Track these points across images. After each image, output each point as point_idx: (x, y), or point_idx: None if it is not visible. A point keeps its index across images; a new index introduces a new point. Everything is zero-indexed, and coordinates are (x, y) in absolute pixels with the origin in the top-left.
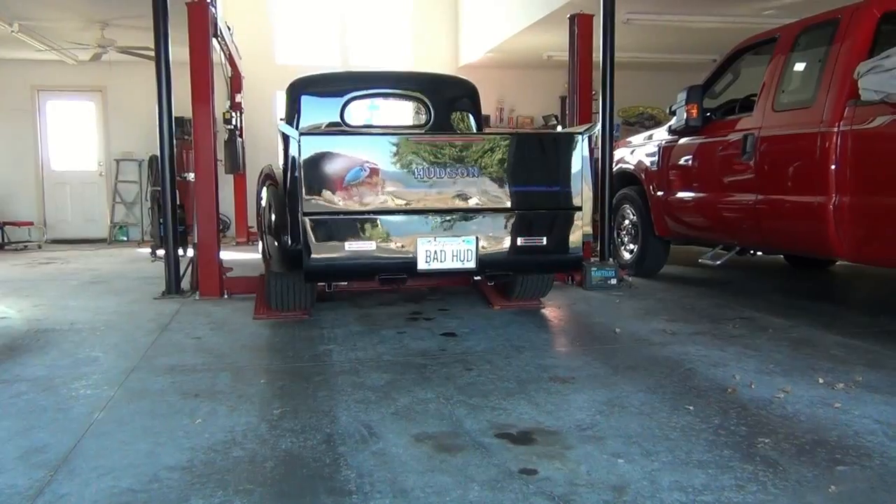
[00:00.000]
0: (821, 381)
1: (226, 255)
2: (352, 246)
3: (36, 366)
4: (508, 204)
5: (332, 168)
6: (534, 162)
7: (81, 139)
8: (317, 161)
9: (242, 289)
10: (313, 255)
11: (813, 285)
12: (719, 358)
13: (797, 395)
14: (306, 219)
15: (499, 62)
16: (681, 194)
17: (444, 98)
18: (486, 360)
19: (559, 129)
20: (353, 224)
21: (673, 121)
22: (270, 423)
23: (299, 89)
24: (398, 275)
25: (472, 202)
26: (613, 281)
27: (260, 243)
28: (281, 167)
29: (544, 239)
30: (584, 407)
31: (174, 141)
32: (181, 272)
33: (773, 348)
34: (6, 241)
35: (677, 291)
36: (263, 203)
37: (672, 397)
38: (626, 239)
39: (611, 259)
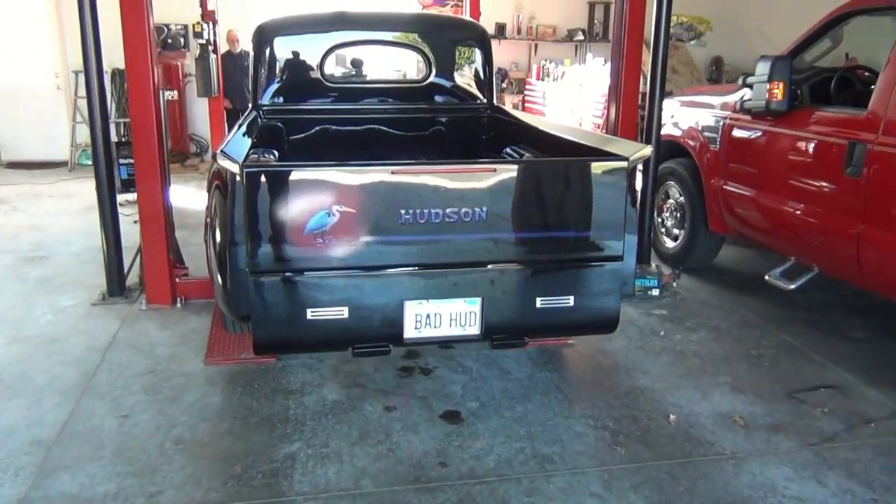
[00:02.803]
0: None
1: (201, 195)
2: (316, 313)
3: None
4: (526, 254)
5: (289, 213)
6: (561, 197)
7: (33, 46)
8: (268, 205)
9: (200, 293)
10: (264, 326)
11: None
12: None
13: None
14: (254, 279)
15: None
16: (748, 191)
17: (447, 46)
18: (502, 499)
19: (590, 57)
20: (318, 285)
21: (746, 94)
22: None
23: (269, 35)
24: (379, 346)
25: (478, 252)
26: (655, 292)
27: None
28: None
29: (571, 299)
30: None
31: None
32: (126, 267)
33: (887, 479)
34: None
35: (734, 311)
36: (210, 211)
37: None
38: (669, 223)
39: (654, 265)
